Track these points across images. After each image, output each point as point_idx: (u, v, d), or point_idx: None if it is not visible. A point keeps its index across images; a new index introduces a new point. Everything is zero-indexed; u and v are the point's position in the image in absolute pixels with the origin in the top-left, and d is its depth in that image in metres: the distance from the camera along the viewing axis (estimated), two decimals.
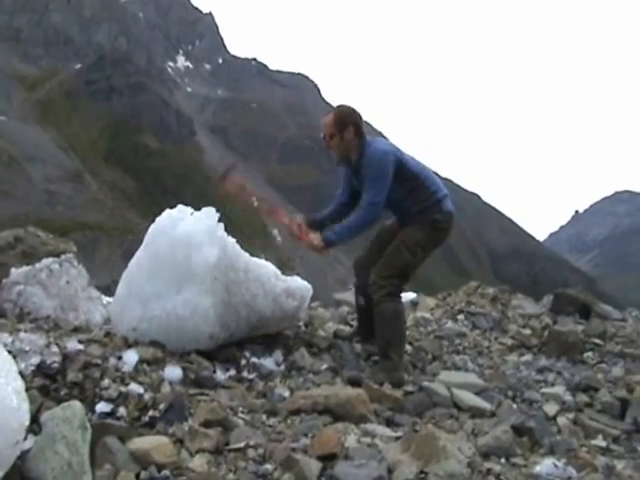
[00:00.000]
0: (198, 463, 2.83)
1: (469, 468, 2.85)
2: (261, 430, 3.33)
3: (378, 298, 4.65)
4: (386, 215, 5.05)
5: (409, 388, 4.36)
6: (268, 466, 2.84)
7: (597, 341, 6.35)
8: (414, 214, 4.80)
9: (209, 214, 4.40)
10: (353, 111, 4.89)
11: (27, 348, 3.66)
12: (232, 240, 4.45)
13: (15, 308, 5.01)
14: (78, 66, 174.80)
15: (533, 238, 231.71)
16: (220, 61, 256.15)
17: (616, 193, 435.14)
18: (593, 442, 3.79)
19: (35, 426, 2.76)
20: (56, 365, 3.54)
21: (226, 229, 4.47)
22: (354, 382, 4.35)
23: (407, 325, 5.57)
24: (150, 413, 3.31)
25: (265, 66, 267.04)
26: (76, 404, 2.78)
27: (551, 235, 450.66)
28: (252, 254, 4.78)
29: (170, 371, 3.86)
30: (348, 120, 4.79)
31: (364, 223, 4.70)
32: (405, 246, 4.72)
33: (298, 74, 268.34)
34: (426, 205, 4.77)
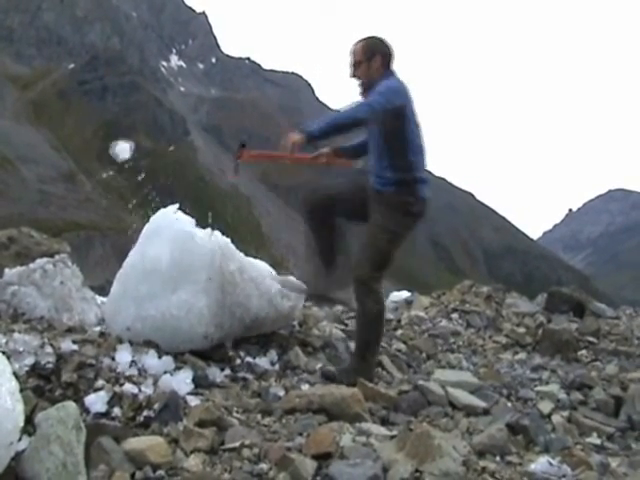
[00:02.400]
0: (193, 463, 2.83)
1: (464, 466, 2.85)
2: (256, 429, 3.33)
3: (359, 294, 4.55)
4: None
5: (404, 387, 4.36)
6: (263, 465, 2.84)
7: (591, 339, 6.37)
8: (391, 185, 4.54)
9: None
10: (382, 41, 4.71)
11: (21, 349, 3.65)
12: (226, 240, 4.45)
13: (9, 309, 4.99)
14: (71, 66, 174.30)
15: (527, 237, 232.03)
16: (213, 60, 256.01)
17: (610, 191, 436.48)
18: (588, 440, 3.80)
19: (29, 427, 2.76)
20: (50, 366, 3.54)
21: (220, 229, 4.47)
22: (327, 377, 4.37)
23: (401, 324, 5.58)
24: (145, 413, 3.30)
25: (259, 65, 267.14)
26: (70, 404, 2.77)
27: (545, 234, 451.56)
28: (246, 254, 4.78)
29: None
30: (377, 49, 4.62)
31: (349, 115, 4.38)
32: (380, 236, 4.56)
33: (292, 73, 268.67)
34: (403, 177, 4.51)
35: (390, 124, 4.44)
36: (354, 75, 4.67)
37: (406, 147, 4.50)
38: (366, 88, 4.59)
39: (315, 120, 4.43)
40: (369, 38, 4.68)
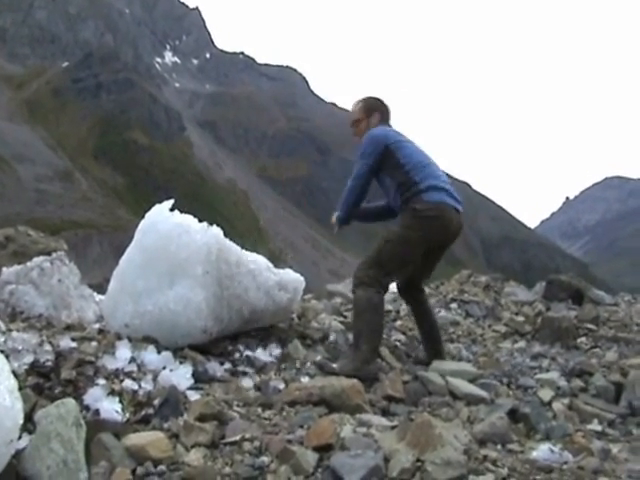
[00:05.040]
0: (194, 457, 2.83)
1: (465, 455, 2.84)
2: (256, 423, 3.32)
3: (353, 288, 4.62)
4: None
5: (404, 377, 4.36)
6: (264, 458, 2.83)
7: (590, 326, 6.37)
8: (401, 204, 4.74)
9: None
10: (381, 101, 5.19)
11: (20, 347, 3.65)
12: (223, 234, 4.44)
13: (7, 307, 5.00)
14: (65, 64, 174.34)
15: (524, 225, 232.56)
16: (208, 56, 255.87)
17: (606, 179, 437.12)
18: (589, 426, 3.80)
19: (30, 425, 2.76)
20: (49, 363, 3.54)
21: (217, 223, 4.47)
22: (322, 369, 4.37)
23: (400, 315, 5.56)
24: (145, 409, 3.30)
25: (253, 60, 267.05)
26: (70, 401, 2.77)
27: (542, 222, 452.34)
28: (244, 248, 4.77)
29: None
30: (376, 107, 5.11)
31: (351, 194, 4.93)
32: (384, 239, 4.66)
33: (286, 67, 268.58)
34: (408, 195, 4.67)
35: (384, 166, 4.82)
36: (356, 134, 5.13)
37: (404, 170, 4.73)
38: None
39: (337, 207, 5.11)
40: (368, 98, 5.18)
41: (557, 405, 4.12)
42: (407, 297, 5.23)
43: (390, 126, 5.07)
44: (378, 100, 5.19)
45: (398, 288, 5.22)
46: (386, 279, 4.64)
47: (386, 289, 4.67)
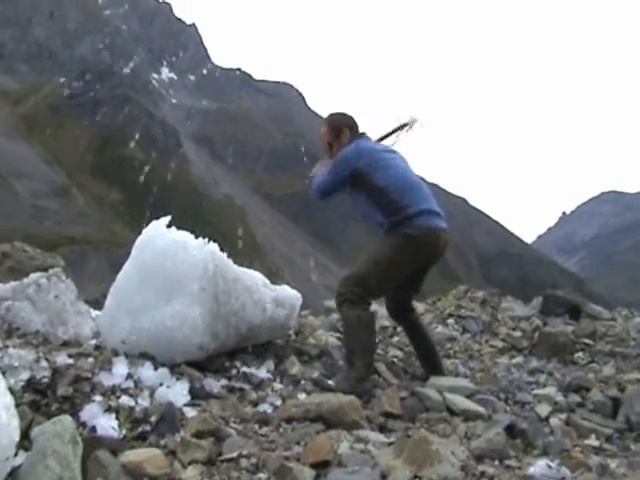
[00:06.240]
0: (191, 474, 2.82)
1: (463, 471, 2.84)
2: (254, 439, 3.32)
3: (338, 305, 4.57)
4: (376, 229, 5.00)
5: (401, 393, 4.35)
6: (261, 475, 2.83)
7: (587, 341, 6.38)
8: (388, 229, 4.63)
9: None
10: (344, 115, 4.98)
11: (16, 364, 3.64)
12: (219, 250, 4.44)
13: (3, 324, 4.99)
14: (62, 80, 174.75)
15: (521, 240, 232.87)
16: (204, 72, 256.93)
17: (602, 193, 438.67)
18: (586, 442, 3.80)
19: (26, 442, 2.74)
20: (46, 380, 3.53)
21: (214, 239, 4.47)
22: (318, 385, 4.37)
23: (397, 331, 5.54)
24: (142, 425, 3.29)
25: (250, 76, 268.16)
26: (66, 418, 2.76)
27: (539, 237, 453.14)
28: (240, 264, 4.77)
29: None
30: (341, 124, 4.89)
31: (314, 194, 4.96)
32: (369, 256, 4.61)
33: (283, 83, 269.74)
34: (396, 220, 4.55)
35: (357, 185, 4.69)
36: (330, 157, 4.92)
37: (385, 193, 4.60)
38: None
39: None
40: (329, 117, 5.00)
41: (554, 420, 4.12)
42: (399, 319, 5.18)
43: (368, 138, 4.91)
44: (342, 115, 5.00)
45: (388, 311, 5.16)
46: (370, 297, 4.62)
47: (369, 305, 4.63)
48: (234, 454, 3.02)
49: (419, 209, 4.57)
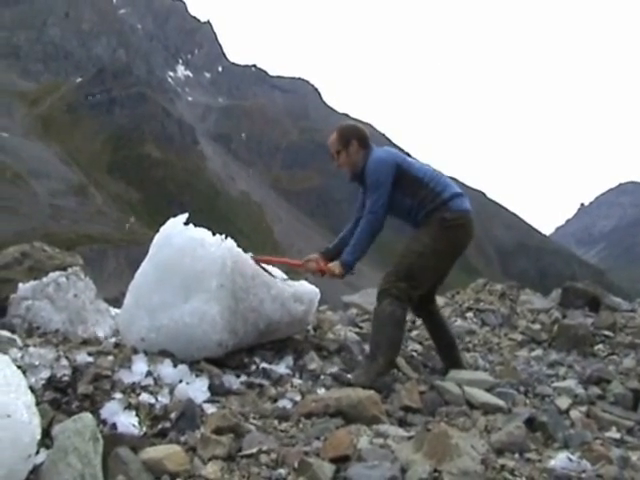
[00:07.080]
0: (211, 470, 2.82)
1: (483, 465, 2.83)
2: (273, 435, 3.32)
3: (379, 298, 4.56)
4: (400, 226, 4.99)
5: (421, 387, 4.34)
6: (281, 471, 2.83)
7: (607, 333, 6.34)
8: (423, 218, 4.65)
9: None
10: (355, 126, 5.03)
11: (37, 362, 3.67)
12: (237, 246, 4.45)
13: (24, 323, 5.02)
14: (78, 80, 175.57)
15: (540, 233, 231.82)
16: (220, 69, 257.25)
17: (620, 184, 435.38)
18: (607, 434, 3.77)
19: (47, 440, 2.77)
20: (66, 378, 3.55)
21: (231, 236, 4.47)
22: (337, 380, 4.37)
23: (416, 325, 5.52)
24: (162, 422, 3.31)
25: (265, 72, 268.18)
26: (87, 416, 2.77)
27: (558, 229, 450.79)
28: None
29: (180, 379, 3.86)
30: (351, 134, 4.89)
31: (367, 234, 4.66)
32: (410, 249, 4.62)
33: (298, 79, 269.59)
34: (433, 207, 4.60)
35: (401, 184, 4.69)
36: (339, 166, 4.96)
37: (424, 183, 4.67)
38: (354, 173, 4.92)
39: (347, 250, 4.75)
40: (340, 128, 5.00)
41: (575, 413, 4.10)
42: (420, 311, 5.16)
43: (372, 148, 4.91)
44: (353, 127, 5.04)
45: (410, 303, 5.15)
46: (415, 292, 4.60)
47: (412, 303, 4.67)
48: (254, 450, 3.03)
49: (452, 192, 4.67)
